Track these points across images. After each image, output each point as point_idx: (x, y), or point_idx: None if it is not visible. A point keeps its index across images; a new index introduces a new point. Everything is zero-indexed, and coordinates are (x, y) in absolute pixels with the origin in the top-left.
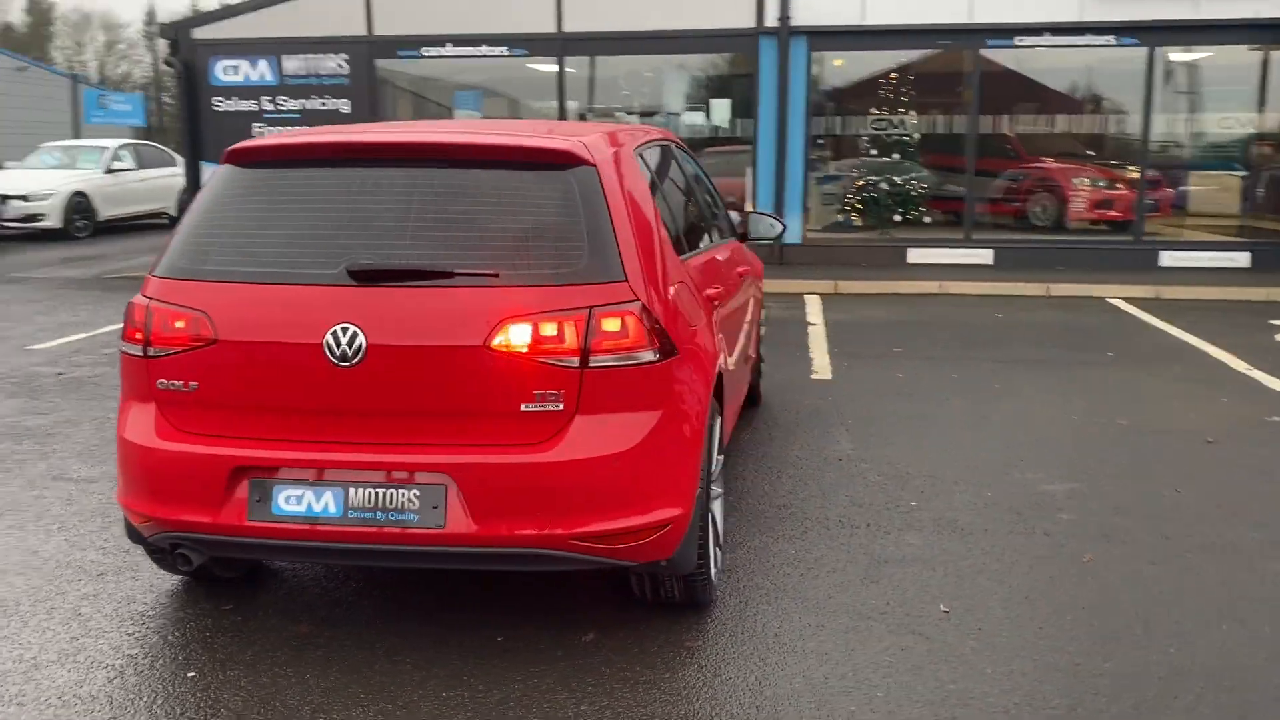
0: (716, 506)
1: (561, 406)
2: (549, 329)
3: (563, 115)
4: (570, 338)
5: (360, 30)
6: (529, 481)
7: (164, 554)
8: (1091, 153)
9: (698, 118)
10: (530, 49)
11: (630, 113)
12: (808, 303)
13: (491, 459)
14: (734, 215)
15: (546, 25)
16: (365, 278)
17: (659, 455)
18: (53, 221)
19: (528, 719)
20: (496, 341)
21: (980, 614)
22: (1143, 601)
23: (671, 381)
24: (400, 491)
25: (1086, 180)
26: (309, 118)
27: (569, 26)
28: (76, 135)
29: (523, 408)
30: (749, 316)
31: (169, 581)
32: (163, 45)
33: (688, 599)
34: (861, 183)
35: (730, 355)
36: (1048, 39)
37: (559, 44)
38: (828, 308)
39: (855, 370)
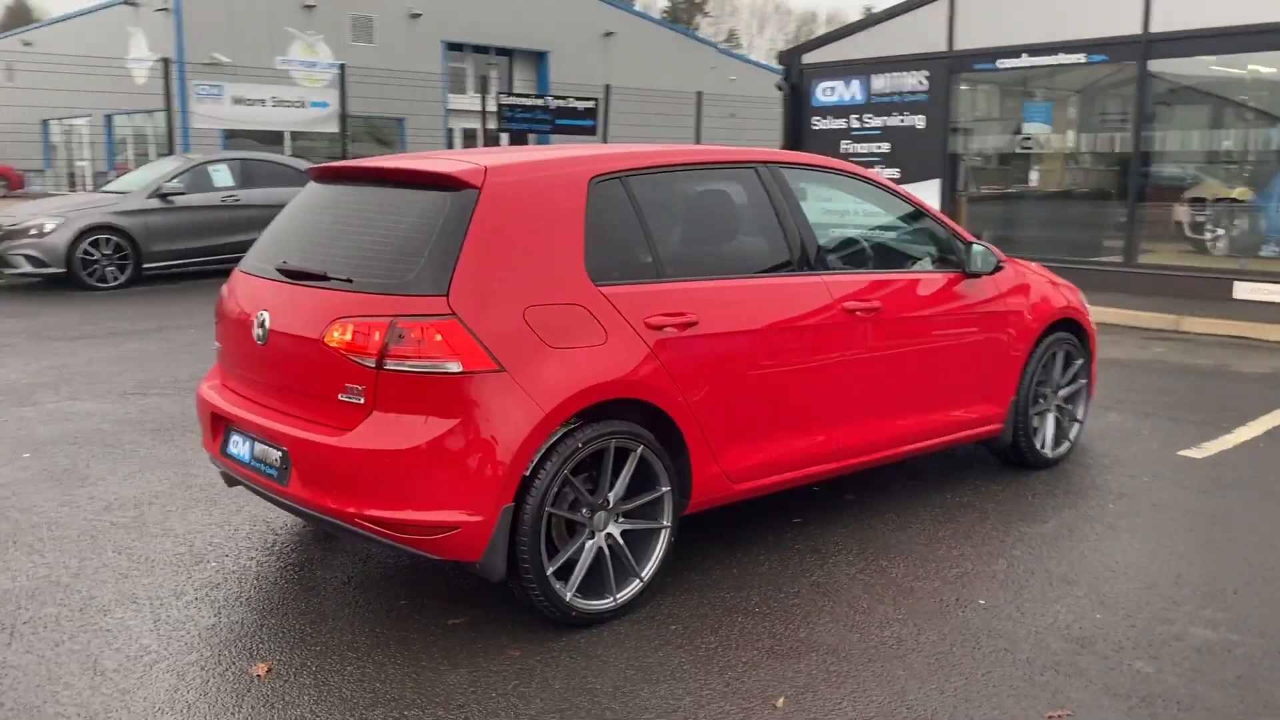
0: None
1: (363, 400)
2: (359, 331)
3: (1139, 127)
4: (372, 341)
5: (941, 46)
6: (328, 460)
7: None
8: None
9: None
10: (1111, 54)
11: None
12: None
13: (310, 436)
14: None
15: (1130, 27)
16: (284, 275)
17: (447, 460)
18: None
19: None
20: (327, 336)
21: None
22: None
23: (478, 394)
24: (270, 451)
25: None
26: (888, 134)
27: (1156, 27)
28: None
29: (339, 397)
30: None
31: None
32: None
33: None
34: None
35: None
36: None
37: (1141, 47)
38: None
39: (1245, 449)
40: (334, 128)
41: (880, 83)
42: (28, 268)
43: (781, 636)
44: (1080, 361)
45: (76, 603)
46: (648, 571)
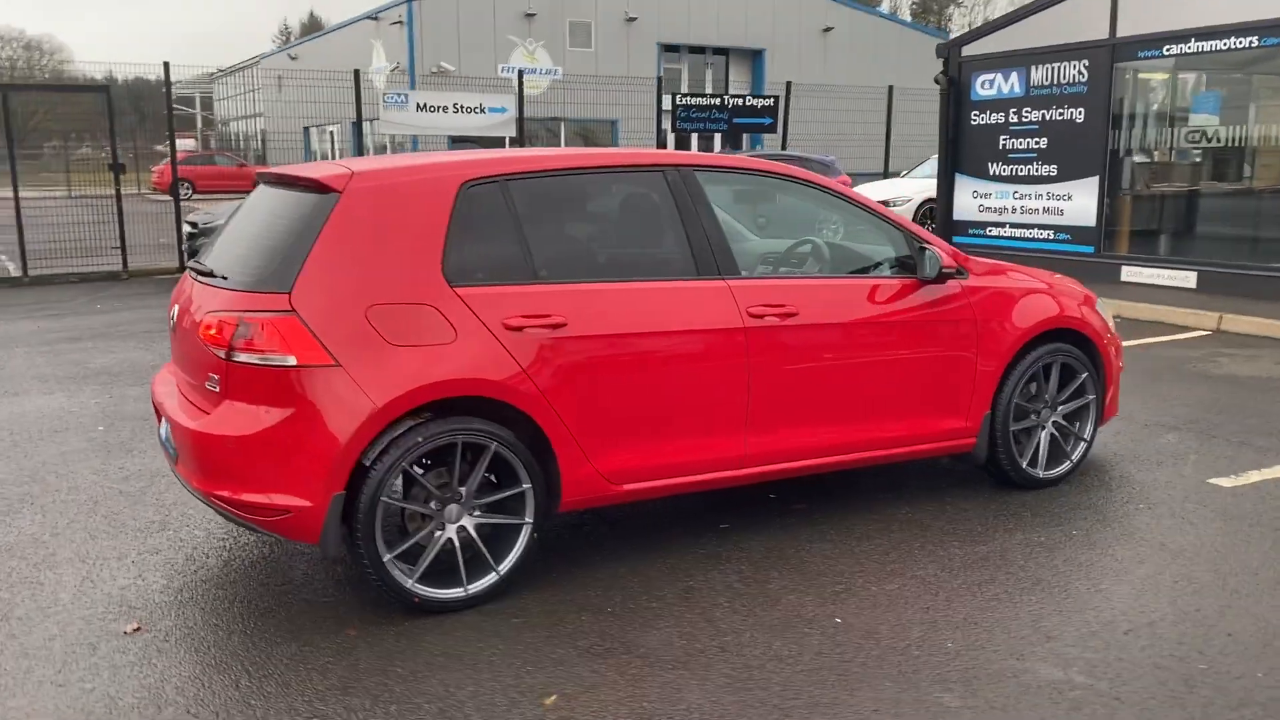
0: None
1: (218, 389)
2: (217, 325)
3: None
4: (223, 334)
5: (1102, 33)
6: (190, 442)
7: None
8: None
9: None
10: None
11: None
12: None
13: (182, 420)
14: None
15: None
16: (196, 272)
17: (280, 447)
18: None
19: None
20: (200, 329)
21: None
22: None
23: (312, 387)
24: (169, 431)
25: None
26: (1047, 128)
27: None
28: None
29: (205, 385)
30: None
31: None
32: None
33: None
34: None
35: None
36: None
37: None
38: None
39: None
40: (512, 132)
41: (1039, 74)
42: None
43: (608, 637)
44: (1084, 376)
45: (38, 558)
46: (505, 565)
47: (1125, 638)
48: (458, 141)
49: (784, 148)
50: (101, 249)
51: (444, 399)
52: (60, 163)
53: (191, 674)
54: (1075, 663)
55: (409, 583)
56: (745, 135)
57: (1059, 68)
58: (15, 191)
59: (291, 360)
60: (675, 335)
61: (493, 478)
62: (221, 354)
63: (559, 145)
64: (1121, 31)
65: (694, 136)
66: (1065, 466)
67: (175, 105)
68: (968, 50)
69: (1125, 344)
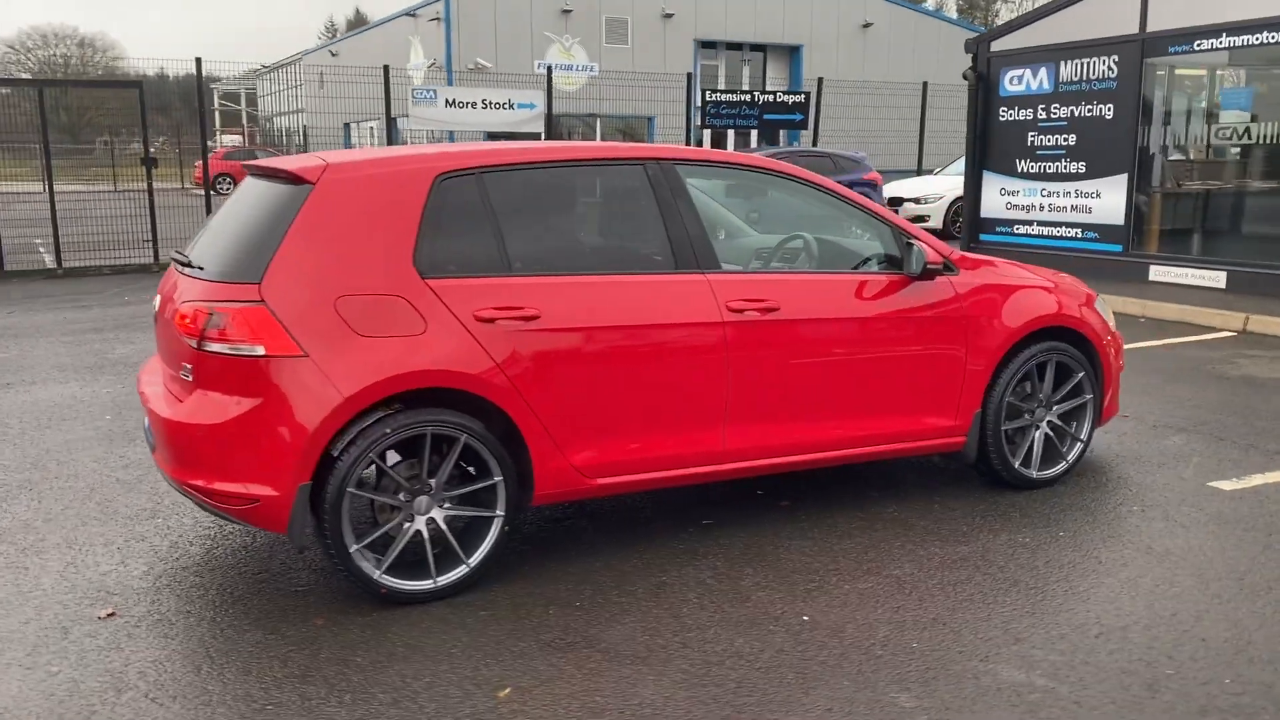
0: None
1: (191, 378)
2: (190, 314)
3: None
4: (196, 323)
5: (1132, 28)
6: (164, 431)
7: None
8: None
9: None
10: None
11: None
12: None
13: (157, 408)
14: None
15: None
16: (178, 264)
17: (248, 436)
18: (935, 223)
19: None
20: (178, 317)
21: None
22: None
23: (280, 377)
24: (149, 421)
25: None
26: (1074, 125)
27: None
28: None
29: (179, 374)
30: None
31: None
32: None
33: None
34: None
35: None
36: None
37: None
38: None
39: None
40: (539, 128)
41: (1068, 70)
42: None
43: (572, 632)
44: (1081, 375)
45: (27, 543)
46: (476, 558)
47: (1095, 641)
48: (493, 137)
49: (815, 144)
50: (135, 242)
51: (413, 390)
52: (109, 158)
53: (156, 659)
54: (1039, 665)
55: (376, 573)
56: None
57: (1088, 63)
58: (50, 185)
59: (260, 350)
60: (651, 329)
61: (470, 469)
62: (194, 343)
63: (594, 141)
64: (1152, 26)
65: (729, 134)
66: (1061, 467)
67: (222, 101)
68: (997, 45)
69: (1148, 344)
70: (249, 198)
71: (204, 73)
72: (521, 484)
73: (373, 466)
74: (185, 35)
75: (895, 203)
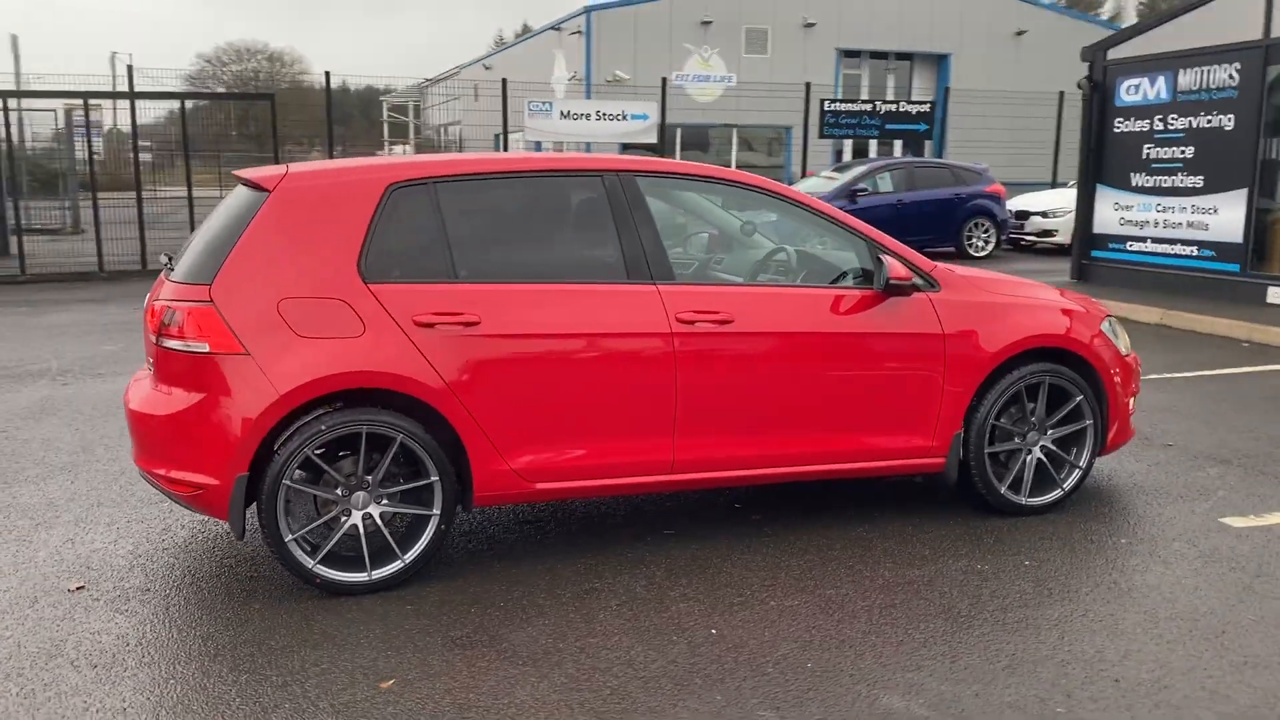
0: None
1: (152, 371)
2: (154, 312)
3: None
4: (157, 321)
5: (1255, 34)
6: (129, 419)
7: None
8: None
9: None
10: None
11: None
12: None
13: (129, 399)
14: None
15: None
16: (164, 265)
17: (192, 428)
18: (1063, 238)
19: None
20: (149, 315)
21: None
22: None
23: (222, 373)
24: None
25: None
26: (1192, 137)
27: None
28: None
29: (146, 368)
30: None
31: None
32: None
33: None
34: None
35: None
36: None
37: None
38: None
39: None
40: (653, 138)
41: (1187, 78)
42: None
43: (482, 631)
44: (1079, 399)
45: (42, 519)
46: (411, 554)
47: (999, 673)
48: (627, 149)
49: (940, 154)
50: None
51: (349, 390)
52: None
53: (96, 631)
54: (925, 694)
55: (310, 563)
56: (897, 142)
57: (1208, 71)
58: (189, 191)
59: (205, 347)
60: (595, 337)
61: (417, 470)
62: (154, 339)
63: (730, 152)
64: (1276, 32)
65: (847, 143)
66: (1055, 494)
67: (390, 113)
68: (1114, 53)
69: (1237, 370)
70: (226, 204)
71: (381, 86)
72: (462, 485)
73: (304, 460)
74: (369, 50)
75: (1022, 216)
